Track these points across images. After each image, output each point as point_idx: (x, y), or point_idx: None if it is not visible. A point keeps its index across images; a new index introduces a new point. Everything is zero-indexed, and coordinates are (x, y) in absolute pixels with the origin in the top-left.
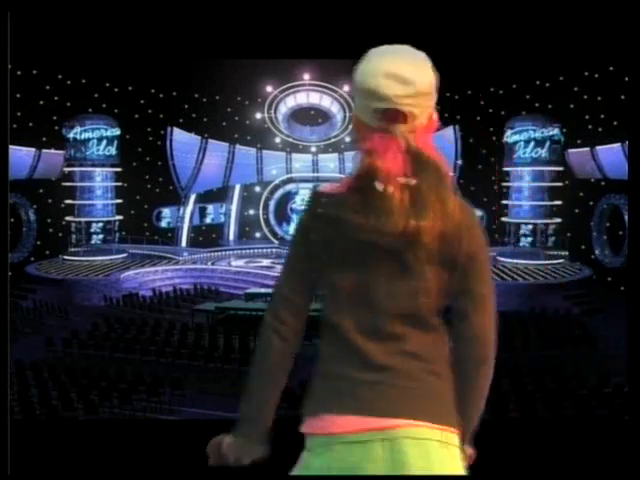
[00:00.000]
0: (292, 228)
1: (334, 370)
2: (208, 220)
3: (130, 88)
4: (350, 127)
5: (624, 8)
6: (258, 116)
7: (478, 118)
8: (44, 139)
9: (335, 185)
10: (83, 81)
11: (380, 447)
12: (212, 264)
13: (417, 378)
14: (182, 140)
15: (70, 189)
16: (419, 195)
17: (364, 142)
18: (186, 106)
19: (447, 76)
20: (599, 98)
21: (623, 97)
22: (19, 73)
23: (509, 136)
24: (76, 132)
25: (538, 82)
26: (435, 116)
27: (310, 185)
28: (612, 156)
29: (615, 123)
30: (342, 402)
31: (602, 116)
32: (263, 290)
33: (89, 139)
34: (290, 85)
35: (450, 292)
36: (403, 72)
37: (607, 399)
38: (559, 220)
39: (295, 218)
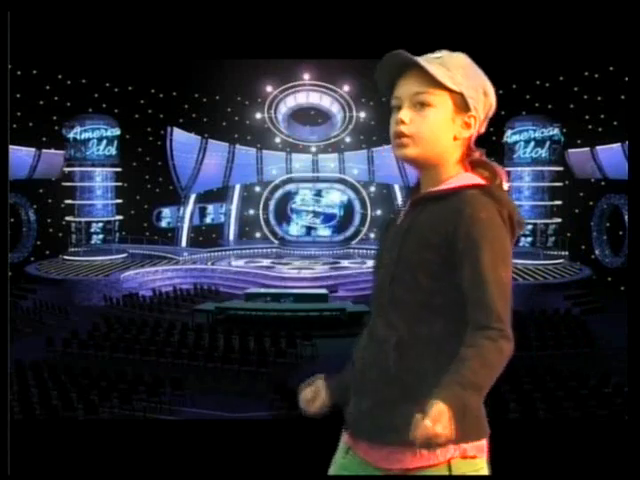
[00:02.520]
0: (293, 228)
1: None
2: (208, 220)
3: (130, 88)
4: (350, 127)
5: (624, 8)
6: (258, 116)
7: None
8: (44, 139)
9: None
10: (83, 81)
11: None
12: (212, 264)
13: None
14: (182, 140)
15: (70, 189)
16: None
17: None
18: (186, 106)
19: None
20: (599, 98)
21: (623, 97)
22: (19, 73)
23: (509, 136)
24: (76, 132)
25: (538, 82)
26: None
27: (310, 185)
28: (612, 156)
29: (615, 123)
30: None
31: (602, 116)
32: (263, 290)
33: (89, 139)
34: (290, 85)
35: None
36: None
37: (607, 399)
38: (559, 220)
39: (295, 218)
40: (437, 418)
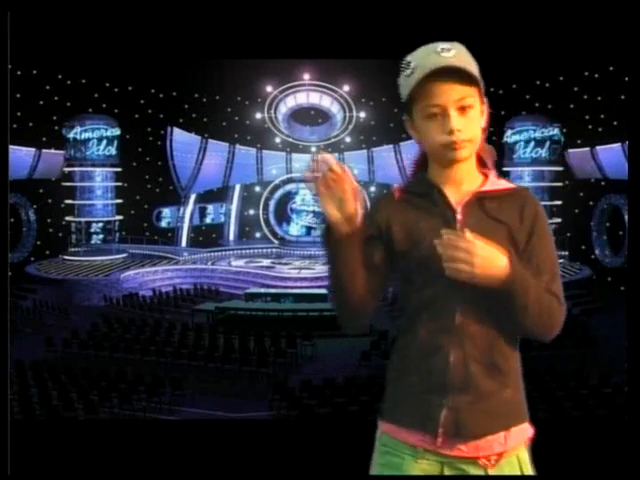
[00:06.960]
0: (293, 228)
1: None
2: (208, 220)
3: (130, 88)
4: (350, 127)
5: (624, 8)
6: (258, 116)
7: None
8: (44, 139)
9: None
10: (83, 81)
11: None
12: (212, 264)
13: None
14: (182, 140)
15: (70, 189)
16: None
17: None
18: (186, 106)
19: None
20: (599, 98)
21: (623, 97)
22: (19, 73)
23: (509, 136)
24: (76, 132)
25: (538, 82)
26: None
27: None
28: (612, 156)
29: (615, 123)
30: None
31: (602, 116)
32: (263, 290)
33: (89, 139)
34: (290, 85)
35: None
36: None
37: (607, 399)
38: (559, 220)
39: (295, 218)
40: (487, 250)
